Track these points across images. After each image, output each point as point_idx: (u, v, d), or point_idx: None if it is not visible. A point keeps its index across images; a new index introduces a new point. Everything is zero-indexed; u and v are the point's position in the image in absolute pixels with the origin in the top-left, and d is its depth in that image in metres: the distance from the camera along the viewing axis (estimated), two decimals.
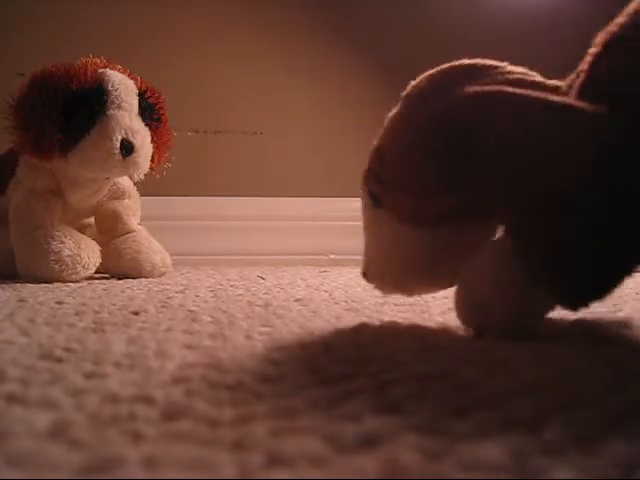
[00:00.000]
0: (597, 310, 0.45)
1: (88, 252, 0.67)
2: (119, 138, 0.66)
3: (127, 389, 0.23)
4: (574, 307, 0.30)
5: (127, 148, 0.66)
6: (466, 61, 0.39)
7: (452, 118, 0.33)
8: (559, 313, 0.43)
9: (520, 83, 0.34)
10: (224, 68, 1.12)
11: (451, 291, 0.58)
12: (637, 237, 0.29)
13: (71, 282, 0.65)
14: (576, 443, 0.18)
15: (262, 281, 0.70)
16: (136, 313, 0.43)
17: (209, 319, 0.40)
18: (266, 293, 0.56)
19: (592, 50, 0.34)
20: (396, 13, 1.16)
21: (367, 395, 0.22)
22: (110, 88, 0.67)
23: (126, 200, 0.77)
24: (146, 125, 0.70)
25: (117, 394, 0.22)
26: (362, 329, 0.36)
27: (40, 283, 0.64)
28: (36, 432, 0.18)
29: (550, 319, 0.40)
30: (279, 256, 1.10)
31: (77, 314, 0.42)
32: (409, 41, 1.16)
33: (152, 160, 0.71)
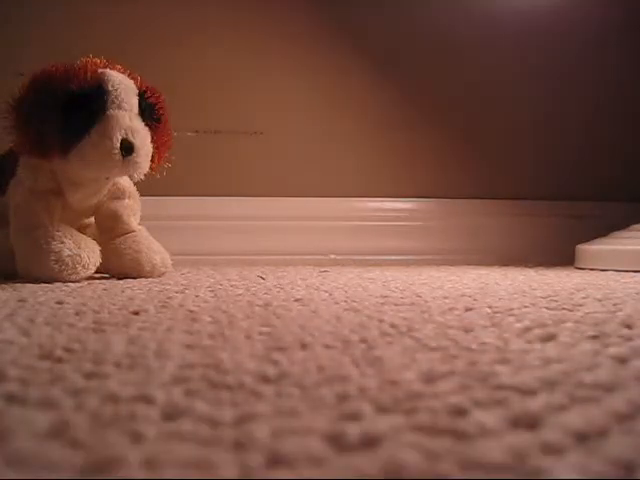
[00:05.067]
0: (597, 310, 0.45)
1: (88, 252, 0.67)
2: (119, 138, 0.65)
3: (127, 389, 0.23)
4: None
5: (127, 148, 0.66)
6: None
7: None
8: (558, 314, 0.43)
9: None
10: (224, 68, 1.12)
11: (451, 291, 0.58)
12: None
13: (71, 282, 0.65)
14: (576, 443, 0.18)
15: (262, 281, 0.70)
16: (136, 313, 0.43)
17: (209, 319, 0.40)
18: (266, 293, 0.56)
19: None
20: (397, 13, 1.16)
21: (367, 395, 0.22)
22: (110, 88, 0.67)
23: (126, 200, 0.77)
24: (146, 125, 0.70)
25: (117, 394, 0.22)
26: (362, 329, 0.36)
27: (40, 283, 0.64)
28: (36, 432, 0.18)
29: (547, 319, 0.40)
30: (279, 256, 1.10)
31: (77, 314, 0.42)
32: (410, 41, 1.16)
33: (152, 160, 0.71)
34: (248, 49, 1.12)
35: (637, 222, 0.99)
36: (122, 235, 0.75)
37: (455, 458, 0.16)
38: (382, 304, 0.48)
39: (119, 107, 0.67)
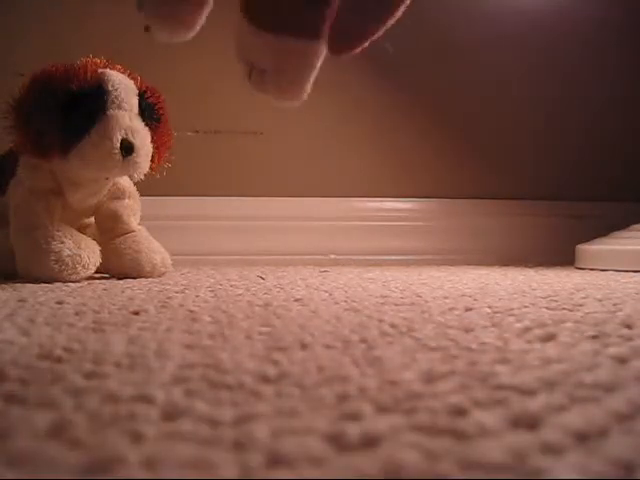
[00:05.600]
0: (597, 310, 0.45)
1: (88, 252, 0.67)
2: (119, 138, 0.66)
3: (127, 389, 0.23)
4: None
5: (127, 148, 0.66)
6: None
7: None
8: (558, 314, 0.43)
9: None
10: (224, 68, 1.12)
11: (451, 291, 0.58)
12: None
13: (71, 282, 0.65)
14: (576, 443, 0.18)
15: (262, 281, 0.70)
16: (136, 313, 0.43)
17: (209, 319, 0.40)
18: (266, 293, 0.56)
19: None
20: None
21: (367, 395, 0.22)
22: (110, 88, 0.67)
23: (126, 200, 0.77)
24: (146, 125, 0.70)
25: (117, 394, 0.22)
26: (362, 329, 0.36)
27: (40, 283, 0.64)
28: (36, 432, 0.18)
29: (548, 319, 0.40)
30: (279, 256, 1.10)
31: (77, 314, 0.42)
32: (409, 41, 1.16)
33: (152, 160, 0.71)
34: None
35: (637, 222, 0.99)
36: (122, 235, 0.75)
37: (455, 458, 0.16)
38: (382, 304, 0.48)
39: (119, 107, 0.67)
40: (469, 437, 0.18)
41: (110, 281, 0.69)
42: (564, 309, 0.45)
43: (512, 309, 0.45)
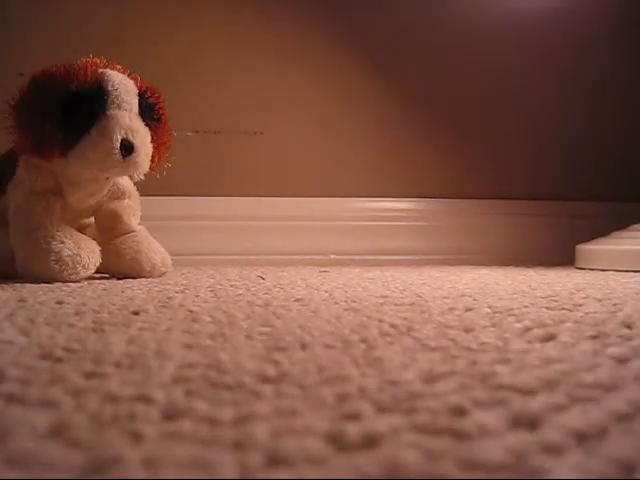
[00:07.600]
0: (597, 310, 0.45)
1: (88, 252, 0.67)
2: (119, 138, 0.65)
3: (127, 389, 0.23)
4: None
5: (127, 148, 0.66)
6: None
7: None
8: (558, 314, 0.43)
9: None
10: (224, 68, 1.12)
11: (451, 291, 0.58)
12: None
13: (71, 282, 0.65)
14: (576, 443, 0.18)
15: (262, 281, 0.70)
16: (136, 313, 0.43)
17: (209, 319, 0.40)
18: (266, 293, 0.56)
19: None
20: (396, 13, 1.16)
21: (367, 395, 0.22)
22: (110, 88, 0.67)
23: (126, 200, 0.77)
24: (146, 125, 0.70)
25: (117, 394, 0.22)
26: (362, 329, 0.36)
27: (40, 283, 0.64)
28: (36, 432, 0.18)
29: (548, 320, 0.40)
30: (279, 256, 1.10)
31: (77, 314, 0.42)
32: (408, 41, 1.16)
33: (152, 160, 0.71)
34: (249, 48, 1.12)
35: (637, 222, 0.99)
36: (122, 235, 0.75)
37: (455, 458, 0.16)
38: (382, 304, 0.48)
39: (119, 107, 0.67)
40: (469, 437, 0.18)
41: (110, 281, 0.69)
42: (564, 309, 0.45)
43: (512, 309, 0.45)
